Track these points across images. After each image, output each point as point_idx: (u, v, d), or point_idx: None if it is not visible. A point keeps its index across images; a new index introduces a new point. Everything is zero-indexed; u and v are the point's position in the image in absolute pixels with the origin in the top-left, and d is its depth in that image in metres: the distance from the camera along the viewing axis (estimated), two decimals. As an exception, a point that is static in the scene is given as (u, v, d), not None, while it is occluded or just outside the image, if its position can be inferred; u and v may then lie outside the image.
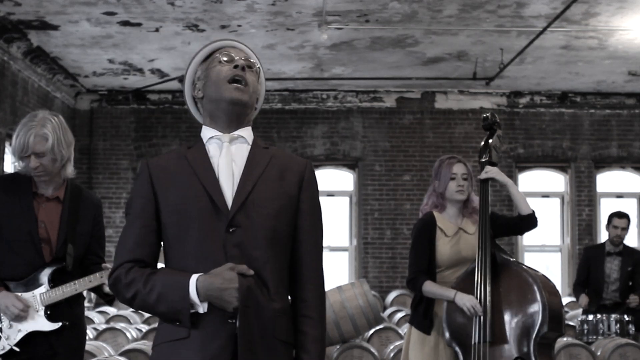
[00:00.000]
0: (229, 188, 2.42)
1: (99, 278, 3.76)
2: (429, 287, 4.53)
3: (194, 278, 2.30)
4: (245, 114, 2.52)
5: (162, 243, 2.48)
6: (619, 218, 7.99)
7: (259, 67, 2.58)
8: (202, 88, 2.54)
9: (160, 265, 2.48)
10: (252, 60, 2.55)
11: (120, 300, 2.44)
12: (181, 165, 2.46)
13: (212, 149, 2.50)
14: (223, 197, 2.40)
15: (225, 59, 2.52)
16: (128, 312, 9.53)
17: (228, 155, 2.47)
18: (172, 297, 2.31)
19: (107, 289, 3.76)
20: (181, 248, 2.40)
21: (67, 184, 3.86)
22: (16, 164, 3.79)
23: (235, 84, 2.47)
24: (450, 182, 4.67)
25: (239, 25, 9.17)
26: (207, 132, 2.53)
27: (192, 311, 2.32)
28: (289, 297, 2.48)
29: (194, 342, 2.32)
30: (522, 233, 4.79)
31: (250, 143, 2.53)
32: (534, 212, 4.64)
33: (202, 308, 2.32)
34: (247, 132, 2.54)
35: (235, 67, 2.49)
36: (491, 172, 4.61)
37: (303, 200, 2.50)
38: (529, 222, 4.64)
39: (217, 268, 2.31)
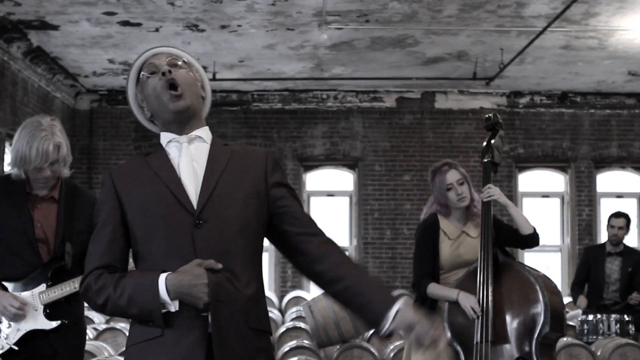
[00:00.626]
0: (192, 186, 2.44)
1: None
2: (433, 290, 4.56)
3: (162, 277, 2.32)
4: (195, 114, 2.55)
5: (130, 248, 2.49)
6: (616, 218, 8.00)
7: (185, 59, 2.59)
8: (148, 107, 2.58)
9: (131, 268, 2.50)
10: (175, 57, 2.58)
11: (92, 308, 2.45)
12: (143, 170, 2.49)
13: (172, 151, 2.52)
14: (187, 195, 2.42)
15: (149, 72, 2.54)
16: (128, 312, 9.52)
17: (188, 154, 2.50)
18: (142, 298, 2.33)
19: None
20: (149, 248, 2.41)
21: (61, 183, 3.84)
22: (14, 171, 3.74)
23: (170, 92, 2.49)
24: (448, 192, 4.65)
25: (239, 25, 9.17)
26: (165, 137, 2.56)
27: (164, 310, 2.33)
28: (262, 284, 2.51)
29: (168, 340, 2.33)
30: (523, 249, 4.78)
31: (209, 142, 2.56)
32: (535, 230, 4.63)
33: (173, 307, 2.33)
34: (204, 132, 2.57)
35: (163, 74, 2.50)
36: (493, 194, 4.57)
37: (273, 186, 2.53)
38: (531, 241, 4.66)
39: (185, 265, 2.33)
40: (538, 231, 4.67)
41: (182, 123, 2.52)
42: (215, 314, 2.32)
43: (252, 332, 2.39)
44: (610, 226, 8.00)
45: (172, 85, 2.49)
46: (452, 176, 4.66)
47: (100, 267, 2.42)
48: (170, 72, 2.50)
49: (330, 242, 2.54)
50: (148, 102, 2.56)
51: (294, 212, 2.54)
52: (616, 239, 7.97)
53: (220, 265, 2.34)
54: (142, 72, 2.58)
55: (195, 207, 2.40)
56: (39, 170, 3.69)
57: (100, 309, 2.43)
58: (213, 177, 2.45)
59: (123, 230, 2.45)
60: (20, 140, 3.70)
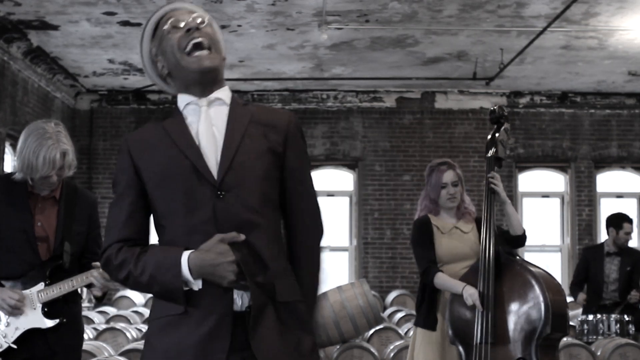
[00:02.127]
0: (211, 153, 2.32)
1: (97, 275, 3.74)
2: (441, 279, 4.56)
3: (185, 256, 2.23)
4: (218, 75, 2.42)
5: (151, 218, 2.41)
6: (630, 223, 7.96)
7: (208, 18, 2.43)
8: (166, 64, 2.43)
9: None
10: (198, 15, 2.41)
11: (114, 280, 2.39)
12: (160, 137, 2.37)
13: (189, 115, 2.39)
14: (206, 163, 2.30)
15: (171, 26, 2.39)
16: (128, 312, 9.54)
17: (207, 119, 2.36)
18: (164, 277, 2.24)
19: (95, 292, 3.73)
20: (170, 221, 2.32)
21: (62, 183, 3.85)
22: (19, 175, 3.75)
23: (197, 52, 2.36)
24: (442, 190, 4.71)
25: (239, 25, 9.17)
26: (183, 99, 2.43)
27: (187, 288, 2.25)
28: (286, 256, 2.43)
29: (191, 317, 2.24)
30: (511, 249, 4.78)
31: (229, 103, 2.42)
32: (524, 232, 4.67)
33: (196, 286, 2.24)
34: (223, 93, 2.42)
35: (188, 31, 2.37)
36: (498, 184, 4.59)
37: (288, 157, 2.41)
38: (519, 242, 4.72)
39: (207, 242, 2.22)
40: (527, 233, 4.71)
41: (204, 84, 2.38)
42: (253, 288, 2.23)
43: (281, 305, 2.29)
44: (625, 232, 7.93)
45: (199, 45, 2.36)
46: (449, 176, 4.71)
47: (120, 240, 2.33)
48: (198, 29, 2.36)
49: (309, 251, 2.44)
50: (166, 58, 2.41)
51: (297, 198, 2.44)
52: (624, 244, 7.96)
53: (242, 237, 2.24)
54: (161, 26, 2.42)
55: (215, 177, 2.29)
56: (46, 177, 3.70)
57: (121, 283, 2.35)
58: (233, 143, 2.32)
59: (143, 201, 2.36)
60: (26, 148, 3.68)
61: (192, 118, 2.39)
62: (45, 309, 3.73)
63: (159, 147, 2.35)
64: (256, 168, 2.32)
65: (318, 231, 2.48)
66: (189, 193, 2.28)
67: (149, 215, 2.39)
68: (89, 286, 3.78)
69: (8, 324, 3.71)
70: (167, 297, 2.27)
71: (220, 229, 2.25)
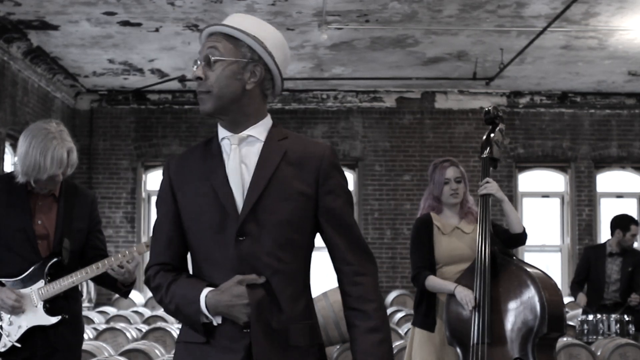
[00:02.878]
0: (238, 193, 2.34)
1: (95, 270, 3.74)
2: (431, 282, 4.58)
3: (203, 294, 2.30)
4: (233, 112, 2.38)
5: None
6: (637, 225, 7.96)
7: (218, 56, 2.35)
8: None
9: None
10: (210, 53, 2.37)
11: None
12: (198, 168, 2.40)
13: (225, 149, 2.40)
14: (234, 203, 2.33)
15: (193, 66, 2.43)
16: (128, 312, 9.54)
17: (236, 158, 2.36)
18: (187, 310, 2.33)
19: (117, 276, 3.74)
20: (197, 254, 2.40)
21: (61, 181, 3.86)
22: (21, 178, 3.75)
23: (198, 98, 2.41)
24: (444, 186, 4.72)
25: (239, 25, 9.17)
26: (220, 132, 2.43)
27: (207, 321, 2.33)
28: (310, 298, 2.43)
29: (212, 350, 2.33)
30: (509, 247, 4.78)
31: (264, 139, 2.39)
32: (524, 230, 4.65)
33: (215, 321, 2.32)
34: (257, 130, 2.39)
35: (194, 77, 2.40)
36: (490, 188, 4.59)
37: (322, 196, 2.36)
38: (519, 240, 4.70)
39: (226, 282, 2.29)
40: (527, 231, 4.69)
41: (223, 122, 2.40)
42: (256, 334, 2.28)
43: (295, 349, 2.33)
44: (631, 234, 7.92)
45: (198, 92, 2.40)
46: (451, 172, 4.71)
47: (159, 264, 2.43)
48: (199, 77, 2.36)
49: (356, 284, 2.39)
50: None
51: (334, 236, 2.40)
52: (628, 245, 7.95)
53: (262, 279, 2.29)
54: None
55: (238, 217, 2.32)
56: (53, 176, 3.71)
57: (159, 304, 2.49)
58: (259, 185, 2.32)
59: (180, 230, 2.42)
60: (32, 149, 3.68)
61: (226, 154, 2.40)
62: (47, 306, 3.74)
63: (194, 178, 2.39)
64: (280, 212, 2.32)
65: (367, 270, 2.42)
66: (215, 229, 2.34)
67: (185, 243, 2.45)
68: (112, 281, 3.78)
69: (11, 323, 3.72)
70: (191, 327, 2.37)
71: (239, 270, 2.31)
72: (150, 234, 2.63)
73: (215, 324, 2.32)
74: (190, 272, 2.45)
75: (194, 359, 2.36)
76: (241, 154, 2.37)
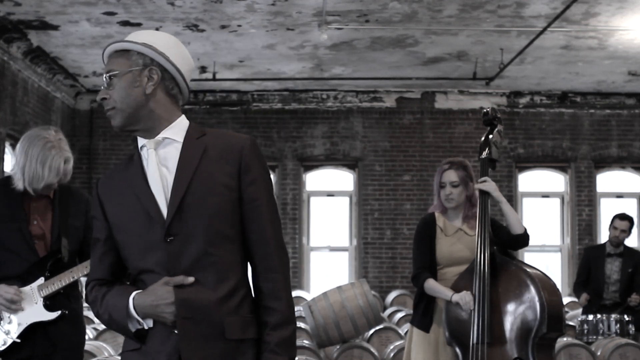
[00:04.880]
0: (161, 196, 2.36)
1: None
2: (430, 285, 4.58)
3: (131, 297, 2.35)
4: (143, 120, 2.41)
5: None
6: (621, 220, 7.97)
7: (113, 73, 2.41)
8: None
9: None
10: (109, 72, 2.43)
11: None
12: (122, 180, 2.45)
13: (145, 157, 2.43)
14: (157, 207, 2.35)
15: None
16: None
17: (154, 161, 2.39)
18: (117, 318, 2.38)
19: None
20: (130, 265, 2.44)
21: None
22: (20, 186, 3.77)
23: (108, 113, 2.44)
24: (441, 190, 4.71)
25: (239, 25, 9.17)
26: (139, 142, 2.47)
27: (140, 327, 2.37)
28: (248, 290, 2.43)
29: (145, 353, 2.38)
30: (512, 249, 4.76)
31: (181, 139, 2.41)
32: (525, 231, 4.62)
33: (146, 324, 2.37)
34: (172, 131, 2.42)
35: (101, 99, 2.44)
36: (488, 186, 4.58)
37: (244, 187, 2.38)
38: (521, 241, 4.65)
39: (154, 284, 2.34)
40: (529, 232, 4.66)
41: (139, 132, 2.43)
42: (182, 330, 2.31)
43: (233, 342, 2.34)
44: (613, 227, 7.98)
45: (107, 110, 2.43)
46: (448, 176, 4.70)
47: (94, 280, 2.50)
48: (104, 98, 2.42)
49: (269, 281, 2.39)
50: None
51: (255, 229, 2.40)
52: (617, 241, 7.96)
53: (190, 280, 2.32)
54: None
55: (164, 219, 2.34)
56: (49, 185, 3.77)
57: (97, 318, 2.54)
58: (182, 185, 2.34)
59: (111, 243, 2.46)
60: (31, 158, 3.74)
61: (145, 160, 2.43)
62: (47, 303, 3.75)
63: (120, 191, 2.45)
64: (206, 207, 2.34)
65: (280, 267, 2.41)
66: (142, 237, 2.37)
67: (118, 256, 2.49)
68: None
69: (10, 321, 3.73)
70: (124, 334, 2.43)
71: (170, 271, 2.33)
72: None
73: (146, 327, 2.36)
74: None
75: None
76: (159, 157, 2.40)
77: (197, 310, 2.32)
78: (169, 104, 2.44)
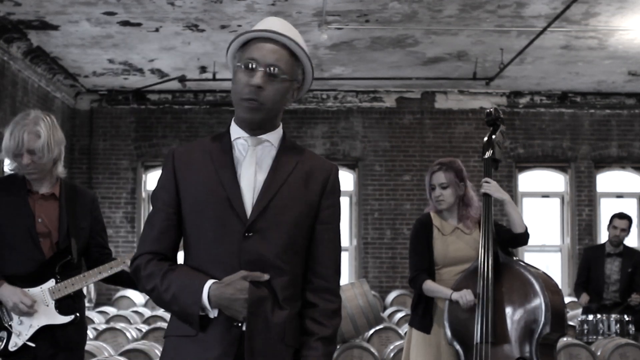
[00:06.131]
0: (249, 193, 2.41)
1: (108, 269, 3.81)
2: (429, 286, 4.58)
3: (207, 285, 2.33)
4: (266, 122, 2.47)
5: (182, 236, 2.50)
6: (619, 219, 7.98)
7: (282, 74, 2.42)
8: (232, 87, 2.49)
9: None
10: (276, 66, 2.41)
11: (140, 289, 2.51)
12: (206, 162, 2.45)
13: (237, 149, 2.47)
14: (242, 202, 2.39)
15: (247, 66, 2.41)
16: (128, 312, 9.54)
17: (252, 159, 2.45)
18: (185, 300, 2.34)
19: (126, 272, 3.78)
20: (197, 248, 2.42)
21: (60, 182, 3.90)
22: (8, 164, 3.82)
23: (248, 103, 2.40)
24: (432, 192, 4.72)
25: (239, 25, 9.17)
26: (235, 131, 2.49)
27: (203, 314, 2.35)
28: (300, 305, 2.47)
29: (201, 341, 2.36)
30: (512, 247, 4.77)
31: (277, 146, 2.49)
32: (526, 230, 4.64)
33: (212, 314, 2.35)
34: (274, 136, 2.49)
35: (251, 85, 2.39)
36: (490, 188, 4.58)
37: (323, 208, 2.47)
38: (521, 239, 4.67)
39: (231, 276, 2.33)
40: (529, 230, 4.68)
41: (250, 126, 2.46)
42: (250, 327, 2.33)
43: (286, 348, 2.39)
44: (612, 227, 7.98)
45: (252, 100, 2.40)
46: (437, 178, 4.70)
47: (151, 252, 2.43)
48: (260, 87, 2.39)
49: (325, 300, 2.46)
50: (232, 87, 2.47)
51: (323, 249, 2.48)
52: (617, 240, 7.96)
53: (266, 277, 2.34)
54: (246, 50, 2.44)
55: (248, 216, 2.38)
56: (17, 157, 3.76)
57: (147, 293, 2.46)
58: (272, 188, 2.41)
59: (177, 219, 2.44)
60: (7, 130, 3.79)
61: (239, 153, 2.46)
62: (58, 305, 3.76)
63: (202, 171, 2.44)
64: (288, 215, 2.41)
65: (337, 294, 2.51)
66: (220, 224, 2.38)
67: (181, 234, 2.48)
68: (119, 277, 3.80)
69: (21, 322, 3.73)
70: (184, 319, 2.38)
71: (242, 265, 2.35)
72: None
73: (212, 316, 2.35)
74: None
75: (186, 352, 2.38)
76: (256, 156, 2.45)
77: (266, 309, 2.35)
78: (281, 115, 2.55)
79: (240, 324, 2.34)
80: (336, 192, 2.52)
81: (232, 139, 2.48)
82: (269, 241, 2.37)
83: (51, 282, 3.75)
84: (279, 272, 2.38)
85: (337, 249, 2.52)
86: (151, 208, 2.53)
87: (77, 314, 3.77)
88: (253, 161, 2.44)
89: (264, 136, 2.47)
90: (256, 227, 2.37)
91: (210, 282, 2.33)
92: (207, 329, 2.35)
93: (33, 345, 3.70)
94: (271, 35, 2.44)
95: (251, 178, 2.42)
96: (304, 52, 2.48)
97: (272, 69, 2.41)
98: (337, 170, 2.55)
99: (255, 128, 2.46)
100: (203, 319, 2.35)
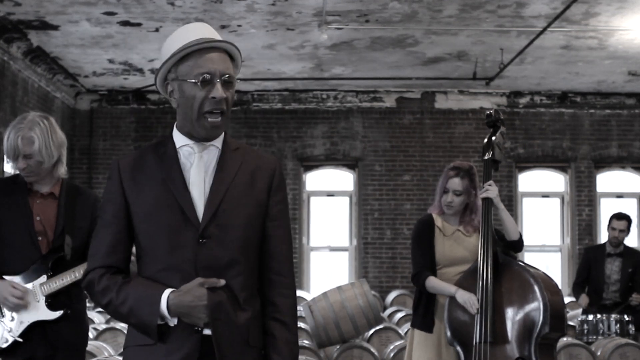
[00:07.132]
0: (199, 198, 2.41)
1: None
2: (432, 283, 4.58)
3: (165, 295, 2.34)
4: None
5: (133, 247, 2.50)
6: (618, 220, 7.97)
7: (232, 76, 2.44)
8: (176, 96, 2.45)
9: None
10: (228, 74, 2.43)
11: (95, 303, 2.50)
12: (153, 171, 2.44)
13: (183, 156, 2.46)
14: (194, 208, 2.40)
15: (201, 79, 2.38)
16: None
17: (200, 164, 2.44)
18: (142, 311, 2.35)
19: None
20: (151, 257, 2.42)
21: (62, 182, 3.90)
22: (9, 164, 3.85)
23: (213, 118, 2.40)
24: (444, 194, 4.71)
25: (239, 25, 9.17)
26: (179, 139, 2.48)
27: (161, 323, 2.36)
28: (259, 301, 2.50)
29: (160, 349, 2.36)
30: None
31: (220, 147, 2.49)
32: (520, 237, 4.66)
33: (172, 322, 2.36)
34: (218, 139, 2.50)
35: (214, 98, 2.38)
36: (491, 192, 4.57)
37: (272, 205, 2.50)
38: (515, 247, 4.69)
39: (188, 284, 2.34)
40: (530, 231, 4.69)
41: (206, 138, 2.46)
42: (216, 332, 2.35)
43: (252, 349, 2.42)
44: (611, 228, 7.98)
45: (218, 114, 2.41)
46: (453, 184, 4.69)
47: (104, 267, 2.43)
48: (225, 99, 2.40)
49: (284, 296, 2.49)
50: (183, 97, 2.42)
51: (276, 245, 2.51)
52: (616, 241, 7.96)
53: (223, 282, 2.36)
54: (192, 62, 2.40)
55: (200, 221, 2.38)
56: (14, 160, 3.79)
57: (102, 307, 2.46)
58: (220, 191, 2.41)
59: (128, 231, 2.45)
60: (6, 132, 3.81)
61: (185, 160, 2.46)
62: (49, 301, 3.74)
63: (150, 180, 2.43)
64: (239, 216, 2.42)
65: (293, 287, 2.54)
66: (173, 233, 2.39)
67: (132, 246, 2.48)
68: None
69: (12, 318, 3.72)
70: (142, 330, 2.38)
71: (198, 272, 2.36)
72: None
73: (171, 324, 2.36)
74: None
75: None
76: (203, 161, 2.46)
77: (227, 313, 2.36)
78: None
79: (200, 329, 2.35)
80: (282, 187, 2.55)
81: (177, 146, 2.47)
82: (223, 245, 2.39)
83: (42, 278, 3.74)
84: (235, 274, 2.39)
85: (289, 244, 2.56)
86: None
87: (67, 310, 3.74)
88: (202, 166, 2.44)
89: (209, 142, 2.47)
90: (209, 232, 2.38)
91: (167, 291, 2.34)
92: (167, 338, 2.36)
93: (21, 340, 3.69)
94: (214, 44, 2.43)
95: (201, 184, 2.42)
96: (239, 51, 2.51)
97: (226, 77, 2.42)
98: (280, 164, 2.58)
99: (212, 137, 2.46)
100: (162, 327, 2.36)
